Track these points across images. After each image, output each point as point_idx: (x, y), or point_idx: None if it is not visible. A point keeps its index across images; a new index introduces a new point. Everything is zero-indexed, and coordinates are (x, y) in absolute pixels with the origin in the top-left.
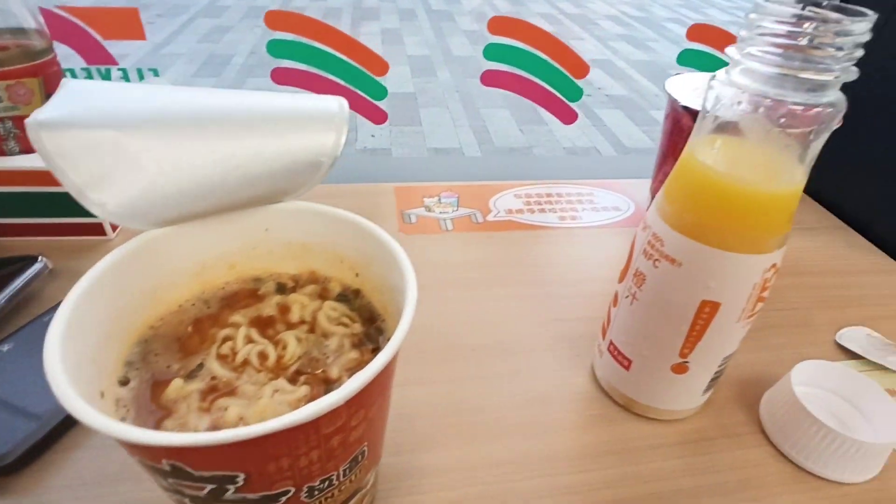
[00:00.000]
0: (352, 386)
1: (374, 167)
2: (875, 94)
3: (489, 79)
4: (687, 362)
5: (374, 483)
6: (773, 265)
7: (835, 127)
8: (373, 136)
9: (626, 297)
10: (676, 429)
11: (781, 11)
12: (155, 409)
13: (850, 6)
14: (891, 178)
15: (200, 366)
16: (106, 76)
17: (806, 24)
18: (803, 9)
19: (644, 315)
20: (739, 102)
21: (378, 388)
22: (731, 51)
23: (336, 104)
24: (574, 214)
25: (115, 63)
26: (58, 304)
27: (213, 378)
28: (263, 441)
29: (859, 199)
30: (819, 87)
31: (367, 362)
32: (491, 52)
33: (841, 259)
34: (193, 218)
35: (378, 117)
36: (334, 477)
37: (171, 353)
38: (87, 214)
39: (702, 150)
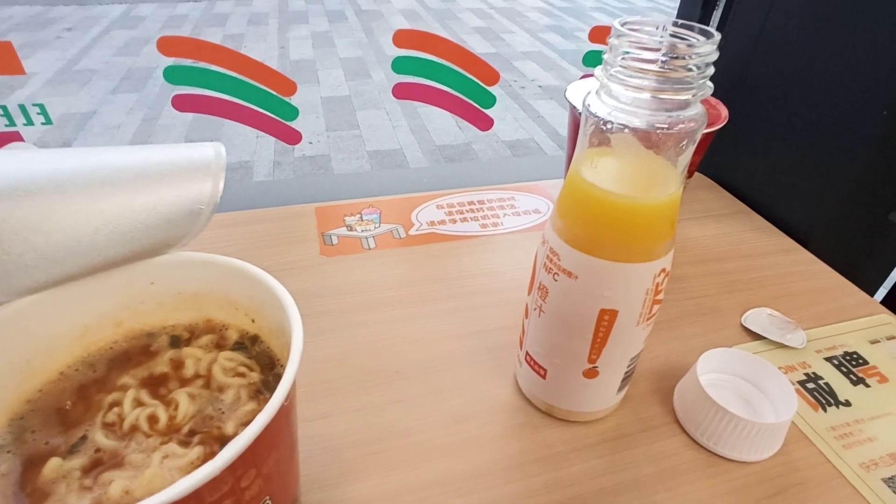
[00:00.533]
0: (230, 451)
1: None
2: (769, 85)
3: (401, 91)
4: (596, 367)
5: None
6: (663, 269)
7: (699, 138)
8: (310, 143)
9: (535, 309)
10: (597, 428)
11: (639, 37)
12: (24, 498)
13: (698, 25)
14: (785, 161)
15: (83, 438)
16: None
17: (661, 48)
18: (660, 33)
19: (551, 327)
20: (608, 122)
21: (268, 442)
22: (598, 72)
23: (212, 150)
24: (496, 221)
25: None
26: None
27: (98, 450)
28: None
29: (760, 183)
30: (680, 105)
31: None
32: (400, 65)
33: (746, 243)
34: (65, 281)
35: (292, 138)
36: None
37: (50, 427)
38: None
39: (583, 167)
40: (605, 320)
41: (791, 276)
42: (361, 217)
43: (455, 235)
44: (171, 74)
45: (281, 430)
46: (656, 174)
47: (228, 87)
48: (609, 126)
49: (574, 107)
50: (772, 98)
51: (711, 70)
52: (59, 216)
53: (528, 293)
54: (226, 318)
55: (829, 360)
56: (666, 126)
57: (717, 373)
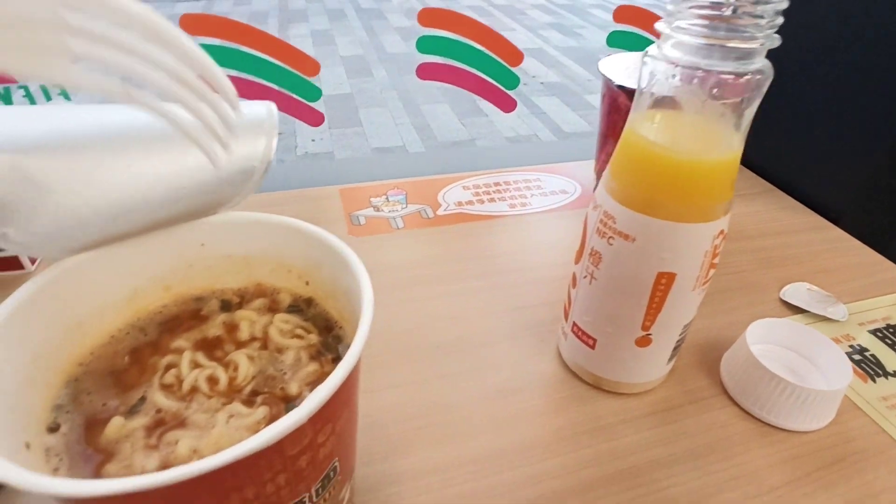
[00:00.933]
0: (315, 400)
1: (316, 171)
2: (797, 61)
3: (425, 72)
4: (650, 335)
5: (350, 498)
6: (721, 231)
7: (764, 92)
8: (313, 140)
9: (584, 277)
10: (645, 400)
11: None
12: (93, 454)
13: None
14: (812, 140)
15: (142, 399)
16: (5, 96)
17: None
18: None
19: (603, 293)
20: (673, 76)
21: (343, 398)
22: (660, 25)
23: (265, 109)
24: (524, 201)
25: (13, 81)
26: None
27: (159, 411)
28: (222, 474)
29: (787, 162)
30: (746, 55)
31: (328, 373)
32: (424, 44)
33: (776, 221)
34: (117, 240)
35: (314, 119)
36: (307, 498)
37: (105, 389)
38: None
39: (642, 125)
40: (662, 284)
41: (825, 253)
42: (387, 198)
43: (484, 215)
44: None
45: (353, 387)
46: (719, 131)
47: (251, 67)
48: (674, 78)
49: (609, 79)
50: (799, 76)
51: (780, 20)
52: (113, 170)
53: (576, 262)
54: (277, 281)
55: (873, 332)
56: (732, 76)
57: (764, 343)
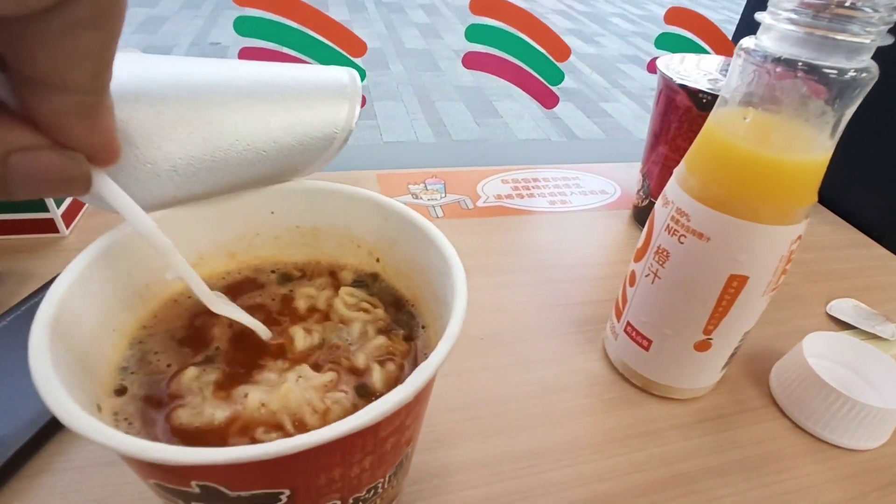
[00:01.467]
0: (420, 379)
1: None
2: None
3: (471, 61)
4: (710, 339)
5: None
6: (799, 236)
7: (866, 93)
8: None
9: (647, 275)
10: (694, 407)
11: None
12: (159, 415)
13: None
14: (854, 155)
15: (209, 359)
16: None
17: None
18: None
19: (667, 293)
20: (771, 70)
21: (433, 379)
22: (761, 15)
23: (347, 74)
24: (563, 199)
25: None
26: (8, 312)
27: (226, 370)
28: (319, 451)
29: (829, 178)
30: (854, 50)
31: (399, 350)
32: (474, 33)
33: (819, 236)
34: (190, 200)
35: None
36: (380, 485)
37: (171, 351)
38: (37, 209)
39: (729, 121)
40: (733, 287)
41: (870, 270)
42: (426, 186)
43: (524, 210)
44: (242, 26)
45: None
46: (812, 130)
47: (297, 43)
48: (771, 72)
49: (668, 77)
50: None
51: (895, 18)
52: (194, 125)
53: (637, 259)
54: (342, 257)
55: None
56: (836, 71)
57: (817, 357)
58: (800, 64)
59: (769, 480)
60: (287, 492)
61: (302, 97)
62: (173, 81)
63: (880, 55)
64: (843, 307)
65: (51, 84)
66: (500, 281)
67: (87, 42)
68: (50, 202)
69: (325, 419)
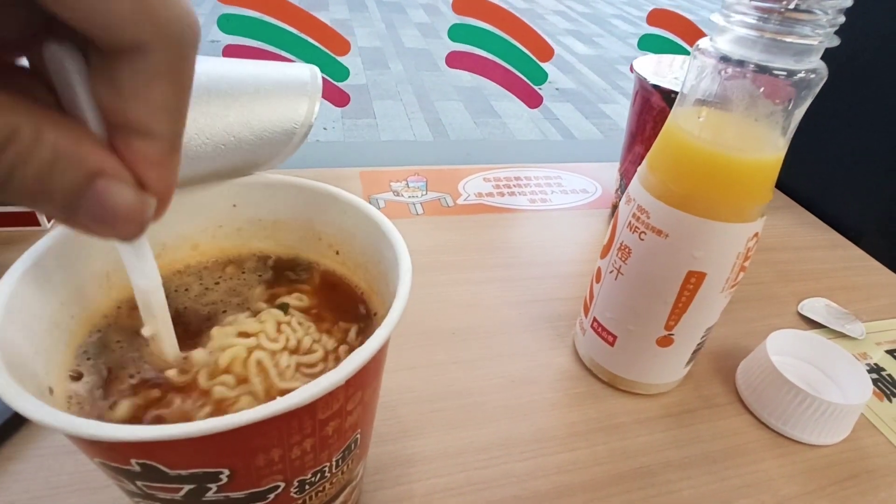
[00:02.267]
0: (353, 363)
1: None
2: None
3: (454, 60)
4: (672, 335)
5: (362, 476)
6: (756, 234)
7: (816, 93)
8: (325, 129)
9: (611, 272)
10: (659, 402)
11: None
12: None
13: None
14: (835, 157)
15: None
16: None
17: None
18: None
19: (629, 289)
20: (724, 70)
21: (376, 366)
22: (715, 17)
23: (308, 71)
24: (544, 197)
25: None
26: None
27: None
28: (253, 430)
29: (807, 178)
30: (803, 52)
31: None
32: (456, 32)
33: (795, 236)
34: None
35: (340, 100)
36: (327, 468)
37: (130, 341)
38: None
39: (686, 120)
40: (692, 283)
41: (844, 271)
42: (407, 184)
43: (504, 208)
44: (226, 23)
45: (384, 356)
46: (765, 130)
47: (281, 41)
48: (724, 72)
49: (643, 78)
50: (827, 91)
51: (842, 19)
52: None
53: (603, 256)
54: (304, 249)
55: (889, 352)
56: (785, 72)
57: (782, 355)
58: (751, 65)
59: (729, 474)
60: (226, 471)
61: (262, 93)
62: None
63: (854, 60)
64: (814, 306)
65: (136, 129)
66: (474, 277)
67: (162, 91)
68: None
69: (270, 382)
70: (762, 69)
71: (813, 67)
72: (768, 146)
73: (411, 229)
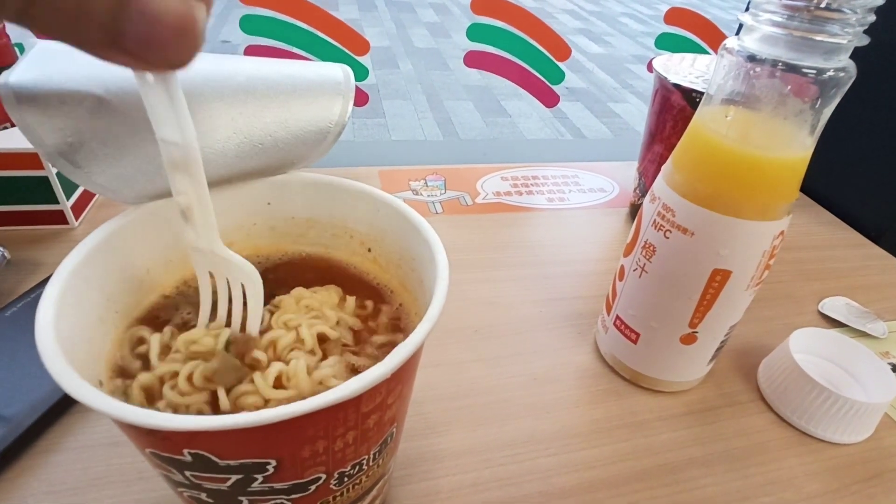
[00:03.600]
0: (398, 357)
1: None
2: None
3: (472, 60)
4: (696, 332)
5: (392, 470)
6: (782, 232)
7: (844, 92)
8: None
9: (634, 269)
10: (682, 400)
11: None
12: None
13: None
14: (854, 156)
15: None
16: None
17: None
18: None
19: (653, 287)
20: (752, 69)
21: (415, 361)
22: (744, 16)
23: (341, 71)
24: (562, 196)
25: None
26: (18, 298)
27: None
28: (302, 422)
29: (826, 177)
30: (832, 50)
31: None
32: (475, 32)
33: (815, 235)
34: None
35: (359, 99)
36: (365, 461)
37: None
38: (48, 201)
39: (713, 119)
40: (717, 281)
41: (865, 270)
42: (426, 182)
43: (522, 207)
44: (247, 24)
45: (421, 352)
46: (793, 128)
47: (301, 41)
48: (753, 71)
49: (663, 77)
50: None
51: (872, 18)
52: (194, 120)
53: (626, 254)
54: (336, 246)
55: None
56: (814, 71)
57: (804, 353)
58: (780, 64)
59: (752, 472)
60: (273, 462)
61: (297, 93)
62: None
63: (875, 58)
64: (835, 305)
65: None
66: (495, 275)
67: None
68: (59, 193)
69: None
70: (791, 68)
71: (842, 66)
72: (796, 145)
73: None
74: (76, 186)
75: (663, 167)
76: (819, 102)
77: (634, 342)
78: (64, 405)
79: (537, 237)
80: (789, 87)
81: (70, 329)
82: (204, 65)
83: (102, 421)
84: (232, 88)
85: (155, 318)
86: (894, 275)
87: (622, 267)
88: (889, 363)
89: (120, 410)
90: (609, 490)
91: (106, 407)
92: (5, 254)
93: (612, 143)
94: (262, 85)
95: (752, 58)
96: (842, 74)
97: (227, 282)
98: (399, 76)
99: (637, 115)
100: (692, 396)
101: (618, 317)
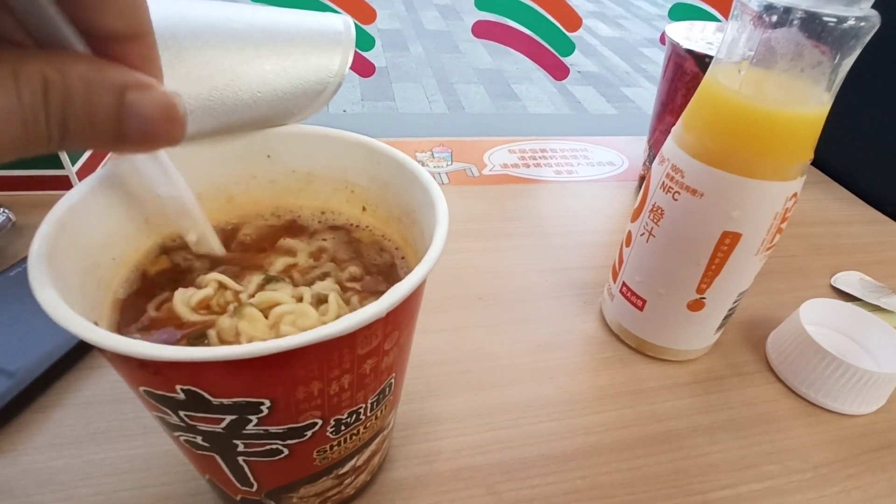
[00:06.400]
0: (393, 296)
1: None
2: None
3: (481, 30)
4: (703, 298)
5: (392, 427)
6: (795, 194)
7: (864, 44)
8: (345, 110)
9: (642, 234)
10: (688, 369)
11: None
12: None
13: None
14: (870, 133)
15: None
16: None
17: None
18: None
19: (661, 251)
20: (769, 18)
21: (413, 305)
22: None
23: (341, 22)
24: (570, 169)
25: None
26: (23, 260)
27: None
28: (296, 356)
29: (841, 153)
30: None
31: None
32: (483, 1)
33: (828, 210)
34: (187, 140)
35: (365, 69)
36: (362, 410)
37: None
38: (53, 167)
39: (726, 75)
40: (726, 244)
41: (879, 246)
42: (433, 154)
43: (529, 179)
44: None
45: (420, 297)
46: (810, 83)
47: (307, 5)
48: (772, 20)
49: (676, 43)
50: (863, 63)
51: None
52: (191, 64)
53: (633, 219)
54: (336, 203)
55: None
56: (835, 19)
57: (815, 325)
58: (799, 12)
59: (759, 440)
60: (267, 402)
61: (297, 42)
62: (171, 19)
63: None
64: (848, 279)
65: (121, 34)
66: (501, 244)
67: None
68: (65, 158)
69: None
70: (811, 16)
71: (865, 14)
72: (812, 100)
73: None
74: (82, 152)
75: (673, 128)
76: (839, 54)
77: (641, 309)
78: (68, 361)
79: (544, 209)
80: (807, 36)
81: (64, 268)
82: (202, 9)
83: (106, 377)
84: (230, 35)
85: (153, 267)
86: None
87: (629, 232)
88: None
89: (108, 340)
90: (611, 455)
91: (93, 336)
92: (11, 217)
93: (622, 119)
94: (261, 33)
95: (769, 7)
96: (863, 24)
97: None
98: (409, 59)
99: (650, 100)
100: (699, 366)
101: (624, 283)
